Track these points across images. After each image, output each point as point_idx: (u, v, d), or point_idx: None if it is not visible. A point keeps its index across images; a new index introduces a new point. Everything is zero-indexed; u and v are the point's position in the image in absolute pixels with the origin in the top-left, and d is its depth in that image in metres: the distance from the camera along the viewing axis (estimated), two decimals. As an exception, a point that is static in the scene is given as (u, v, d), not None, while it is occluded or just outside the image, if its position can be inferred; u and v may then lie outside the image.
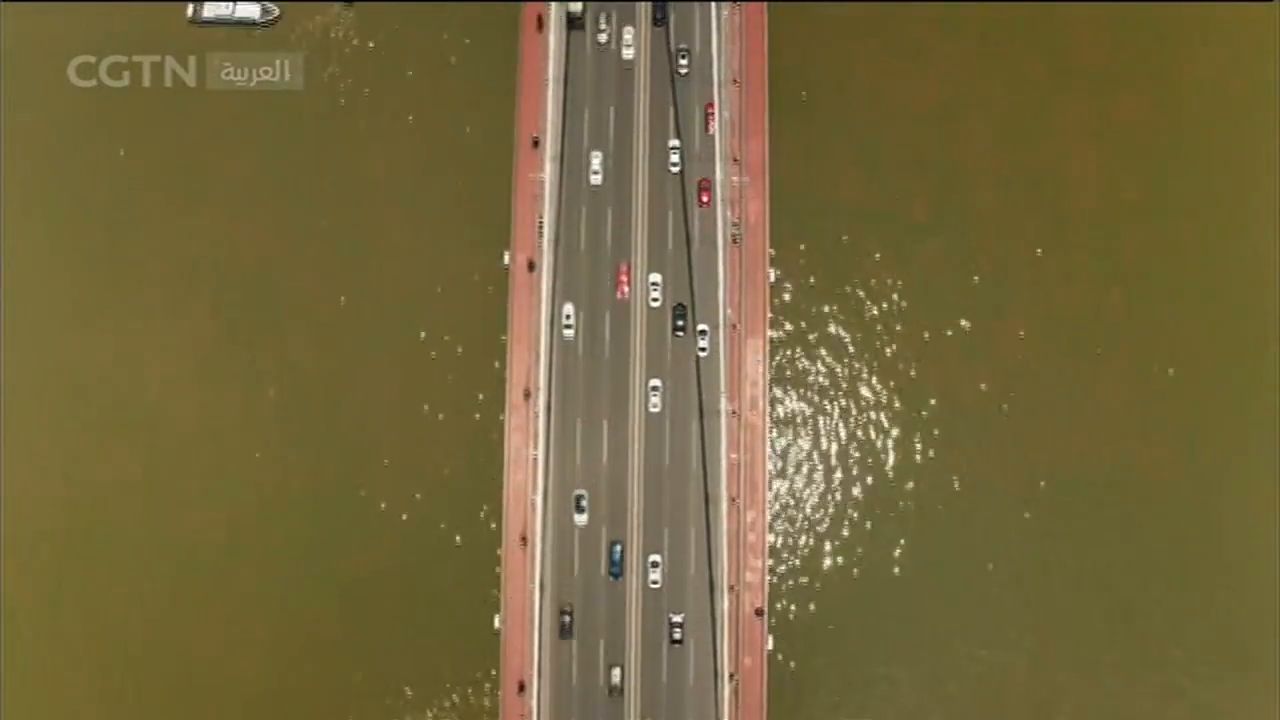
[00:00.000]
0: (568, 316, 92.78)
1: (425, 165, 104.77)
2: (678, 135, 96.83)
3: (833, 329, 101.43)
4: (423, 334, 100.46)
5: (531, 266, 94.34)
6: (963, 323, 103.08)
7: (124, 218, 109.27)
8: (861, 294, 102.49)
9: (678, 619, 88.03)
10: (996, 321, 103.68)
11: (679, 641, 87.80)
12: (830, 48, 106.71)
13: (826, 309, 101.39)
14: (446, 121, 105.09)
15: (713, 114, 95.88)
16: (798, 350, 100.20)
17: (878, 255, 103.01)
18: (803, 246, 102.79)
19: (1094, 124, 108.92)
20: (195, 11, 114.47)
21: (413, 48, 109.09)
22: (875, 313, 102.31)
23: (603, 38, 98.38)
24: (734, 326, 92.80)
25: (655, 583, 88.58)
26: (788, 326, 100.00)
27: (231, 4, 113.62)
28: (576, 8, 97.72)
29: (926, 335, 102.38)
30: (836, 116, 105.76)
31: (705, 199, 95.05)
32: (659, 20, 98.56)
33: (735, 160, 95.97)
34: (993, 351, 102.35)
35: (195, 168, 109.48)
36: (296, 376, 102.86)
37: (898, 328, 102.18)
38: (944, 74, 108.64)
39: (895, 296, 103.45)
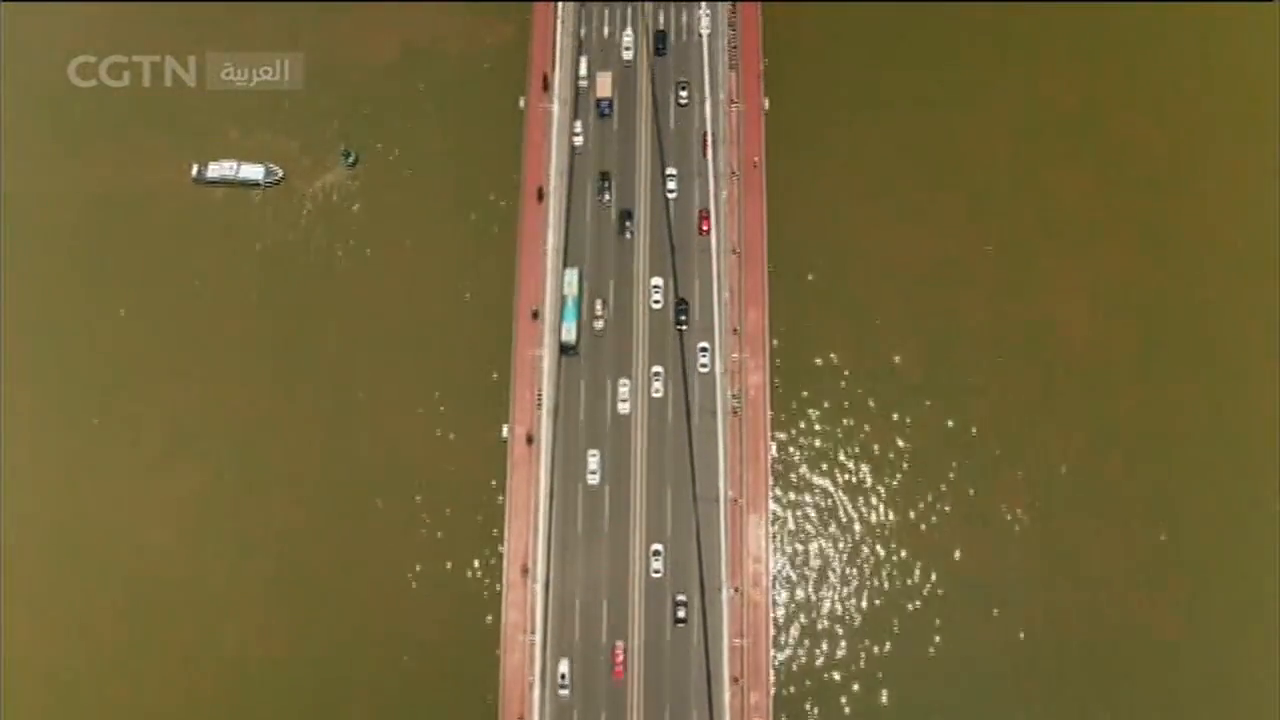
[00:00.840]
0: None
1: (424, 332, 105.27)
2: (678, 300, 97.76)
3: (832, 497, 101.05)
4: (418, 499, 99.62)
5: (530, 440, 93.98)
6: (969, 491, 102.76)
7: (120, 375, 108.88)
8: (860, 460, 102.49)
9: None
10: (995, 483, 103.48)
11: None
12: (827, 214, 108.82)
13: (825, 479, 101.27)
14: (446, 288, 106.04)
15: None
16: (799, 520, 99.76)
17: (870, 424, 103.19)
18: (801, 405, 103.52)
19: (1085, 280, 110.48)
20: (199, 171, 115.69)
21: (414, 212, 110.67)
22: (872, 479, 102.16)
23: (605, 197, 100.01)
24: (735, 501, 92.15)
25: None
26: (791, 496, 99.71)
27: (235, 165, 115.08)
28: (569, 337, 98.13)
29: (921, 506, 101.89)
30: (833, 281, 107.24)
31: (704, 366, 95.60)
32: (669, 188, 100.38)
33: (735, 331, 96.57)
34: (991, 519, 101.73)
35: (192, 328, 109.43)
36: (287, 543, 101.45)
37: (897, 495, 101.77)
38: (937, 234, 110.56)
39: (894, 458, 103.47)
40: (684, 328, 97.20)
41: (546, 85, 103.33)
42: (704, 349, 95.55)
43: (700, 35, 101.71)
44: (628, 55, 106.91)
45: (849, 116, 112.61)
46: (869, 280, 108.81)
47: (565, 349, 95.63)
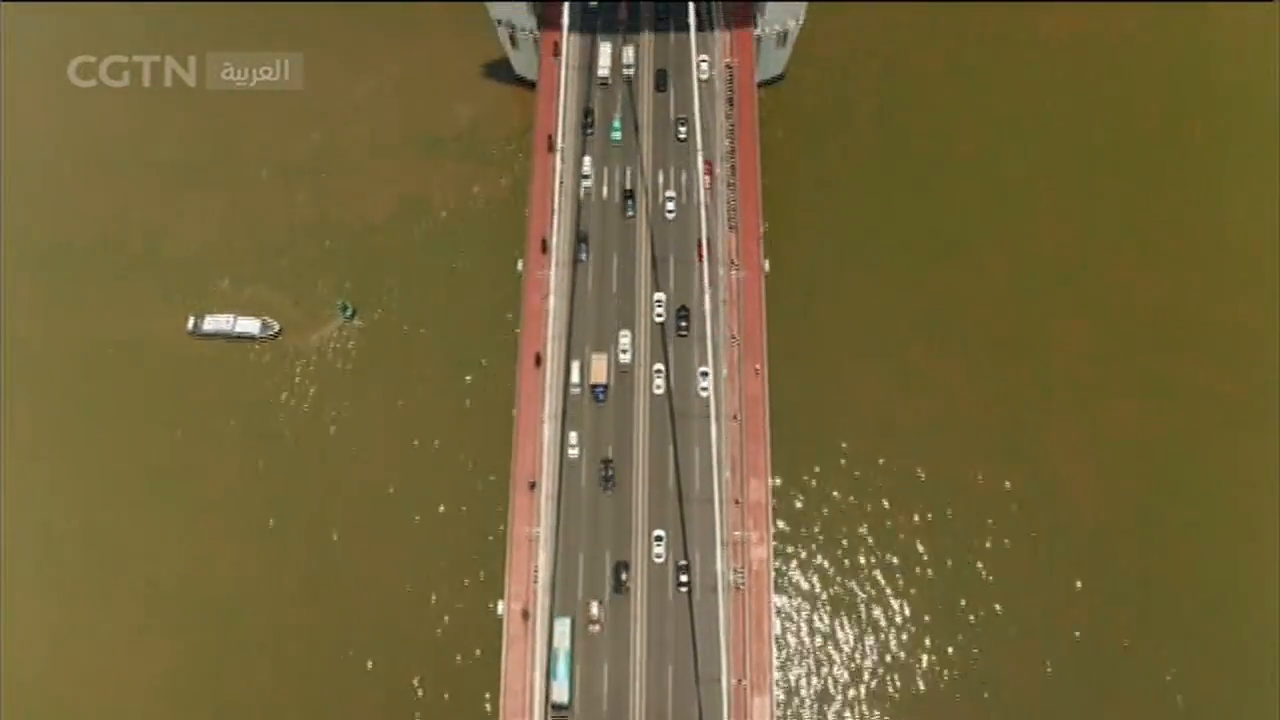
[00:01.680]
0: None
1: (417, 499, 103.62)
2: (677, 474, 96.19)
3: (838, 666, 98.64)
4: (414, 680, 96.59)
5: (526, 615, 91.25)
6: (974, 650, 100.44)
7: (101, 537, 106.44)
8: (862, 629, 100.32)
9: None
10: (1007, 648, 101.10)
11: None
12: (827, 375, 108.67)
13: (831, 649, 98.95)
14: (441, 453, 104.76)
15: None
16: (805, 698, 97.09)
17: (872, 589, 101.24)
18: (802, 570, 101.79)
19: (1087, 438, 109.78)
20: (195, 324, 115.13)
21: (410, 372, 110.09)
22: (876, 652, 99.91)
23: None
24: (739, 681, 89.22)
25: None
26: (795, 671, 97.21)
27: (232, 319, 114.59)
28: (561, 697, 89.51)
29: (928, 673, 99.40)
30: (834, 446, 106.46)
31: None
32: (681, 329, 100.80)
33: (736, 502, 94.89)
34: (1001, 688, 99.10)
35: (178, 486, 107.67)
36: (270, 715, 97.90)
37: (902, 666, 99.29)
38: (936, 393, 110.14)
39: (899, 625, 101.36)
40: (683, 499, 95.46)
41: (545, 248, 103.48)
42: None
43: (699, 200, 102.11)
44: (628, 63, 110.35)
45: (847, 276, 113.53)
46: (870, 443, 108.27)
47: (557, 708, 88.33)
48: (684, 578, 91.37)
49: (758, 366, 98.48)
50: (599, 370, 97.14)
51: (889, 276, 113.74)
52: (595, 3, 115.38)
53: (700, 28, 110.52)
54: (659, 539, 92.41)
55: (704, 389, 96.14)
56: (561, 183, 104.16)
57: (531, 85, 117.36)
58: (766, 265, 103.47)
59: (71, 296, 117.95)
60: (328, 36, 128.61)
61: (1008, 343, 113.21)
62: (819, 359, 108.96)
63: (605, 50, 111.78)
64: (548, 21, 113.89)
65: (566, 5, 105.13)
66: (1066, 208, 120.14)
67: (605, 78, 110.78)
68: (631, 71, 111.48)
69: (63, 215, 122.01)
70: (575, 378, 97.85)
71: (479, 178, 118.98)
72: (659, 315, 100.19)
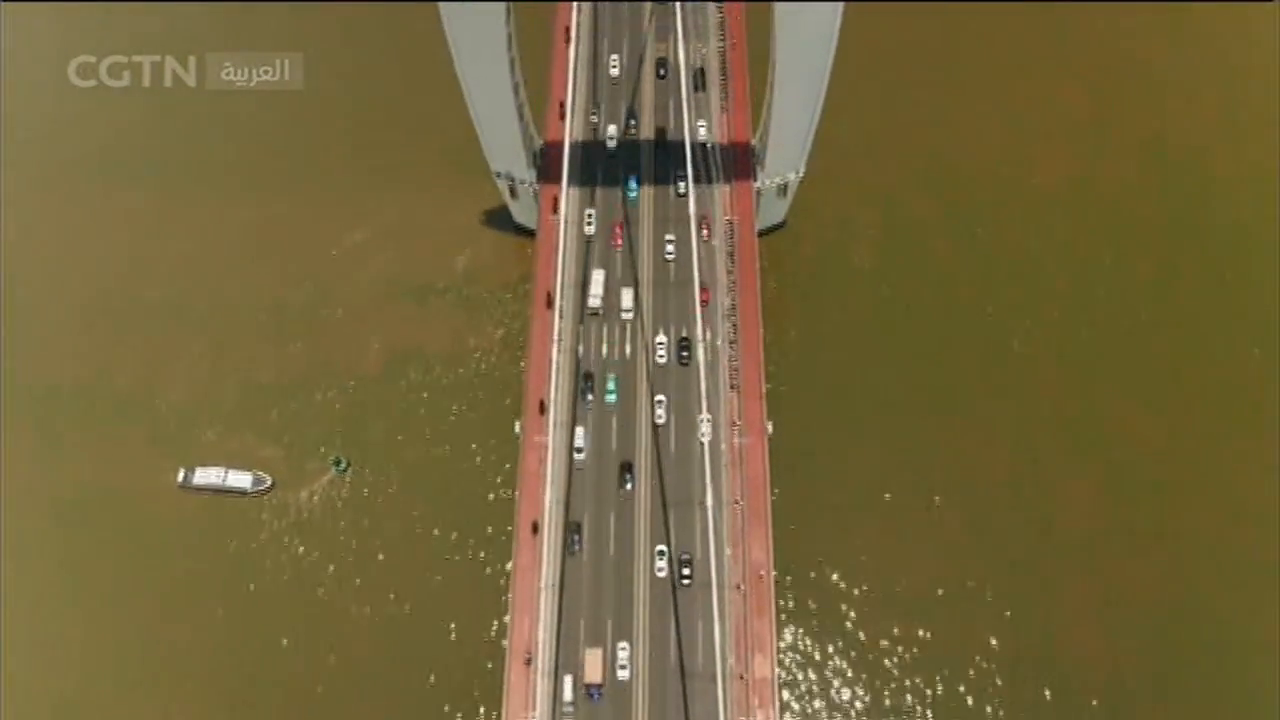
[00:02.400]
0: None
1: (408, 669, 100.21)
2: (679, 649, 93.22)
3: None
4: None
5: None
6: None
7: (81, 701, 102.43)
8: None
9: None
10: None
11: None
12: (831, 536, 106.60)
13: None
14: (433, 623, 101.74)
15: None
16: None
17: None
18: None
19: (1094, 596, 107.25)
20: (186, 477, 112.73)
21: (403, 533, 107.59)
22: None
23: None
24: None
25: None
26: None
27: (223, 472, 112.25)
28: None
29: None
30: (838, 618, 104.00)
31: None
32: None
33: (741, 678, 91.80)
34: None
35: (164, 647, 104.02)
36: None
37: None
38: (940, 553, 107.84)
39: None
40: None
41: (543, 409, 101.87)
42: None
43: (699, 359, 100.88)
44: (627, 308, 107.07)
45: (849, 434, 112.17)
46: (874, 610, 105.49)
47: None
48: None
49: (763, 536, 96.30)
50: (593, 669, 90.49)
51: (892, 432, 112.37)
52: (612, 141, 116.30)
53: (699, 180, 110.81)
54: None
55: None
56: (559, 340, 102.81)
57: (531, 233, 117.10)
58: (770, 427, 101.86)
59: (57, 444, 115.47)
60: (323, 184, 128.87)
61: (1011, 497, 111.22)
62: (821, 522, 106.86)
63: (598, 278, 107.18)
64: (547, 175, 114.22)
65: (566, 165, 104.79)
66: (1066, 356, 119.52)
67: (597, 308, 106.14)
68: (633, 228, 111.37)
69: (47, 358, 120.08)
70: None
71: (474, 329, 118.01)
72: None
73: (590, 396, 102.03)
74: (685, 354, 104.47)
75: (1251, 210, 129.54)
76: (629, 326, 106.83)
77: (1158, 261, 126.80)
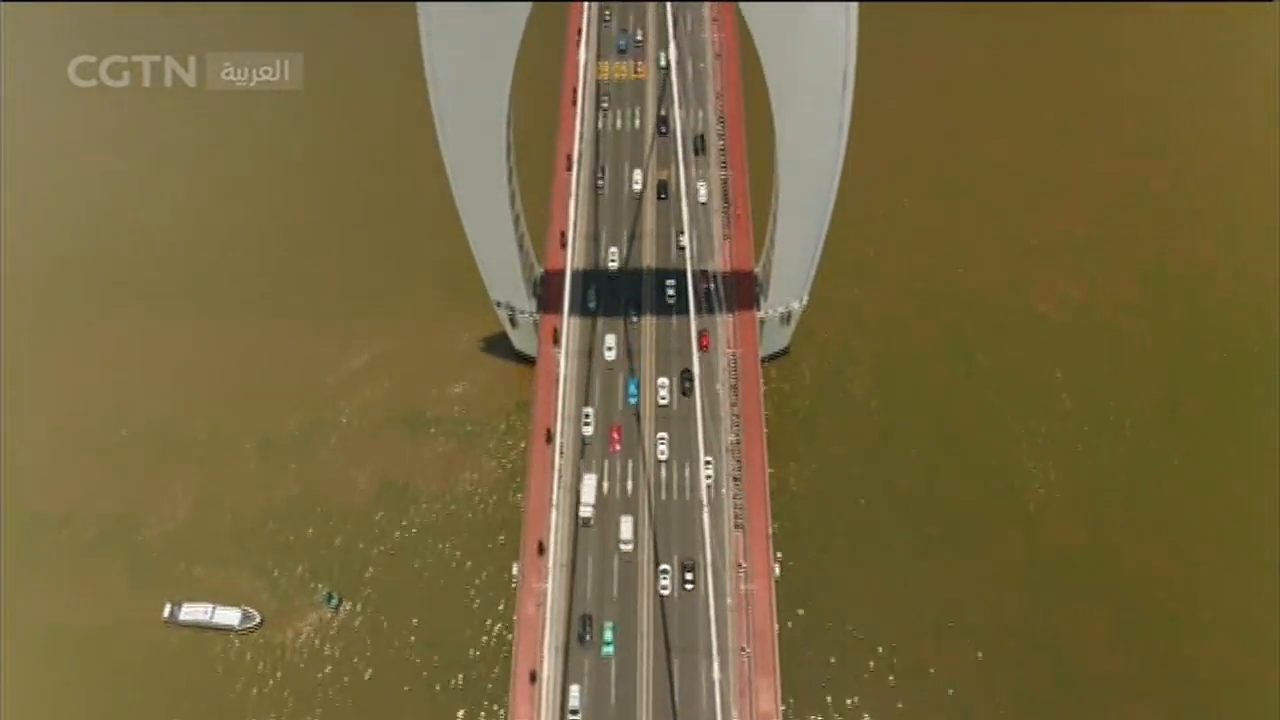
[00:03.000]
0: None
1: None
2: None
3: None
4: None
5: None
6: None
7: None
8: None
9: None
10: None
11: None
12: (841, 673, 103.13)
13: None
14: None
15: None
16: None
17: None
18: None
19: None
20: (172, 612, 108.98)
21: (398, 677, 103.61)
22: None
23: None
24: None
25: None
26: None
27: (210, 608, 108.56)
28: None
29: None
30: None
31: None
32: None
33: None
34: None
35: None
36: None
37: None
38: (951, 693, 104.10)
39: None
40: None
41: (542, 550, 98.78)
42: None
43: (703, 498, 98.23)
44: (626, 539, 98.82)
45: (855, 574, 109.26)
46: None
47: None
48: None
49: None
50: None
51: (899, 572, 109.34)
52: (614, 263, 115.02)
53: (700, 310, 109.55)
54: None
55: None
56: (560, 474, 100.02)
57: (532, 361, 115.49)
58: (777, 570, 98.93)
59: (39, 574, 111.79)
60: (321, 307, 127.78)
61: (1022, 636, 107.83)
62: (830, 674, 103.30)
63: (589, 483, 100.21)
64: (548, 305, 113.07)
65: (567, 298, 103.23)
66: (1073, 486, 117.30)
67: (587, 518, 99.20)
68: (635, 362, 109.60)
69: (30, 486, 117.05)
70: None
71: (470, 462, 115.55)
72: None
73: (588, 638, 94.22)
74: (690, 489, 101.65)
75: (1256, 332, 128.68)
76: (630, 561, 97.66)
77: (1164, 387, 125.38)
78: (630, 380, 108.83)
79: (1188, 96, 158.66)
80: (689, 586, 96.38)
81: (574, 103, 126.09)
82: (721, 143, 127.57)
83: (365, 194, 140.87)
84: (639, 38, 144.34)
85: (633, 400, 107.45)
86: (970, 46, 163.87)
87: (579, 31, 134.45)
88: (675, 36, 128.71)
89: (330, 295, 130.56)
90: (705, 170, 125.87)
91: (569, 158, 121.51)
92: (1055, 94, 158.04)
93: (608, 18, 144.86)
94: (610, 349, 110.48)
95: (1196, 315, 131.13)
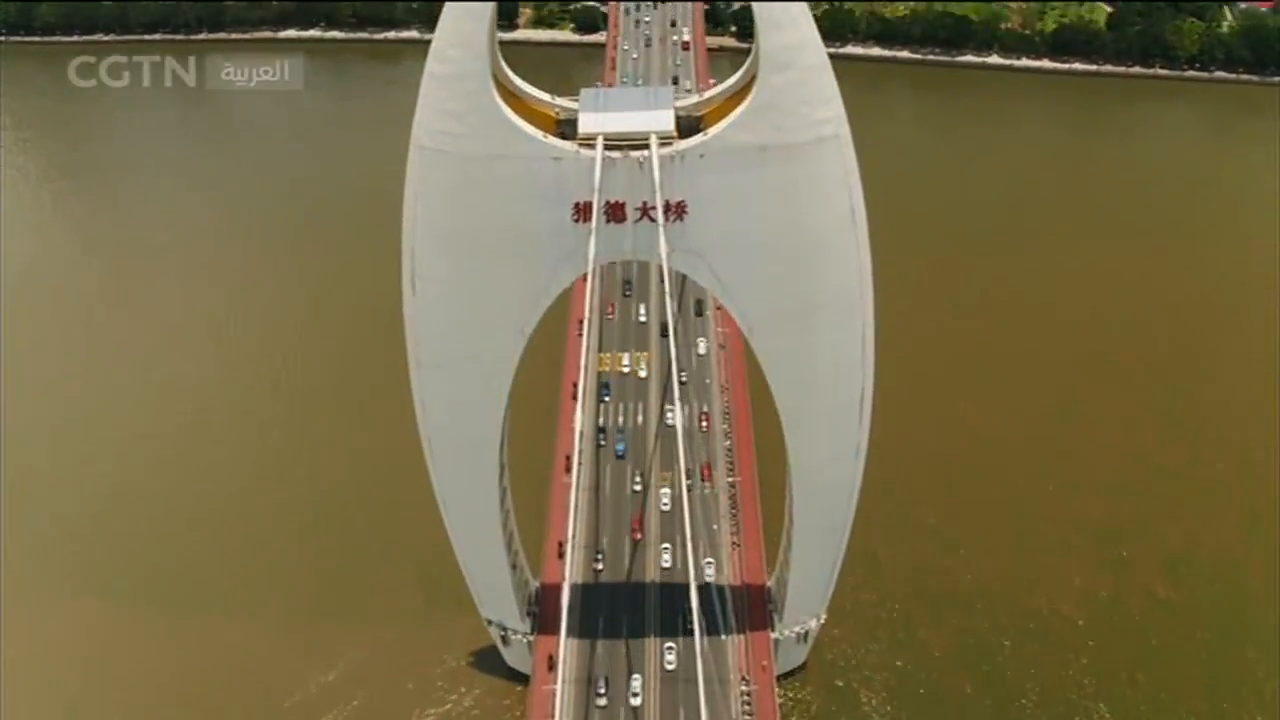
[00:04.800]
0: None
1: None
2: None
3: None
4: None
5: None
6: None
7: None
8: None
9: None
10: None
11: None
12: None
13: None
14: None
15: None
16: None
17: None
18: None
19: None
20: None
21: None
22: None
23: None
24: None
25: None
26: None
27: None
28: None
29: None
30: None
31: None
32: None
33: None
34: None
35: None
36: None
37: None
38: None
39: None
40: None
41: None
42: None
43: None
44: None
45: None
46: None
47: None
48: None
49: None
50: None
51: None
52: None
53: (710, 630, 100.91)
54: None
55: None
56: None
57: (526, 679, 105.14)
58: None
59: None
60: (289, 611, 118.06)
61: None
62: None
63: None
64: (543, 625, 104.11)
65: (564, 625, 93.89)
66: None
67: None
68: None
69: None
70: None
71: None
72: None
73: None
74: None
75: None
76: None
77: (1200, 694, 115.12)
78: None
79: (1198, 367, 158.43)
80: None
81: (574, 397, 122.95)
82: (728, 442, 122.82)
83: (344, 476, 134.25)
84: (643, 317, 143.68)
85: None
86: (968, 318, 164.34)
87: (580, 322, 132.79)
88: (676, 329, 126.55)
89: (299, 591, 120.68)
90: (713, 469, 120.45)
91: (568, 459, 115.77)
92: (1059, 365, 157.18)
93: (610, 315, 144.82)
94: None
95: (1228, 611, 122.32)
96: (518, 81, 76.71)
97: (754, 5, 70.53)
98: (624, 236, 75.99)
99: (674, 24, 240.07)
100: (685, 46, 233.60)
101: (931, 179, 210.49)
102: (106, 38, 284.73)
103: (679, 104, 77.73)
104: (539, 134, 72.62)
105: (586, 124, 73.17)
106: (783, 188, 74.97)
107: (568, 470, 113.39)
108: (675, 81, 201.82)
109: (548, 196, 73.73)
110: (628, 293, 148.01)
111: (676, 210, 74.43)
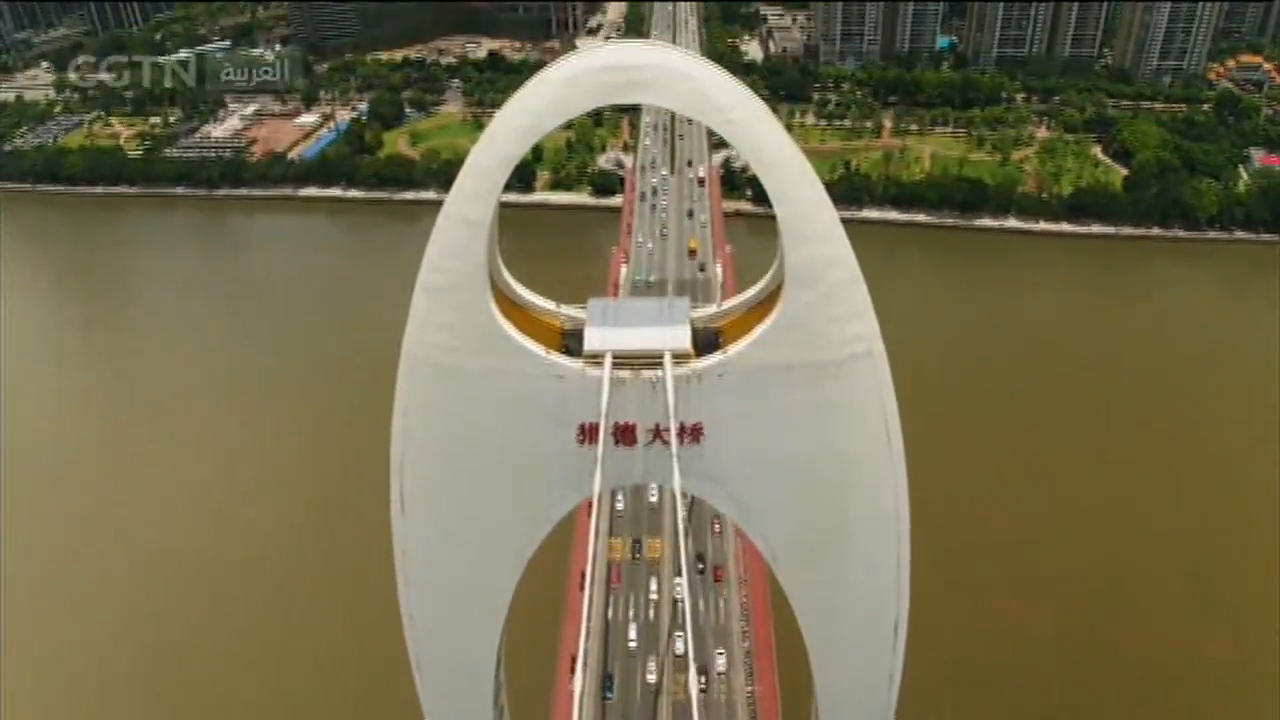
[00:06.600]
0: None
1: None
2: None
3: None
4: None
5: None
6: None
7: None
8: None
9: None
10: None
11: None
12: None
13: None
14: None
15: None
16: None
17: None
18: None
19: None
20: None
21: None
22: None
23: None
24: None
25: None
26: None
27: None
28: None
29: None
30: None
31: None
32: None
33: None
34: None
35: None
36: None
37: None
38: None
39: None
40: None
41: None
42: None
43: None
44: None
45: None
46: None
47: None
48: None
49: None
50: None
51: None
52: None
53: None
54: None
55: None
56: None
57: None
58: None
59: None
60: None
61: None
62: None
63: None
64: None
65: None
66: None
67: None
68: None
69: None
70: None
71: None
72: None
73: None
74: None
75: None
76: None
77: None
78: None
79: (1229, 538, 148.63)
80: None
81: (581, 588, 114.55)
82: (746, 643, 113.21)
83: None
84: (653, 498, 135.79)
85: None
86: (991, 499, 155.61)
87: (590, 506, 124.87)
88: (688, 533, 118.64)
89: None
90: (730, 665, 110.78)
91: (573, 659, 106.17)
92: (1089, 539, 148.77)
93: (620, 509, 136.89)
94: None
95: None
96: (519, 289, 71.18)
97: (779, 214, 64.95)
98: (634, 460, 68.83)
99: (690, 163, 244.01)
100: (701, 182, 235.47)
101: (948, 344, 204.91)
102: (131, 190, 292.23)
103: (696, 314, 71.89)
104: (540, 350, 66.18)
105: (593, 340, 66.74)
106: (810, 408, 67.93)
107: (572, 670, 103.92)
108: (692, 254, 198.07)
109: (550, 416, 66.95)
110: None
111: (692, 433, 67.35)
